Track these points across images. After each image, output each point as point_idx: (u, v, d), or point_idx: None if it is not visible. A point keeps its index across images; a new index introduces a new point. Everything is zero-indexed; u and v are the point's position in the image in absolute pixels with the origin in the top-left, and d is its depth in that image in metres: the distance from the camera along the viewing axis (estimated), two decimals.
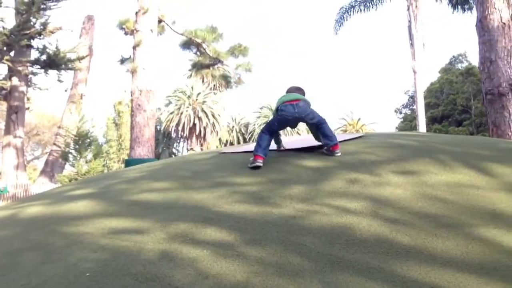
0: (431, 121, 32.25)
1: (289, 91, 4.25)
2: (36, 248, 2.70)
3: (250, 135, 40.23)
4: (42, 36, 17.63)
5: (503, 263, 2.04)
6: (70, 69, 19.23)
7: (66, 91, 22.90)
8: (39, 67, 18.19)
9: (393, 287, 1.89)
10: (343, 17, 20.47)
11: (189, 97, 36.53)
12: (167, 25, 20.02)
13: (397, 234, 2.38)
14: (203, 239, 2.48)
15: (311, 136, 4.39)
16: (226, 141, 40.18)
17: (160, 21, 18.81)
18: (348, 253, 2.21)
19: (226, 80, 30.49)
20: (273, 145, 4.24)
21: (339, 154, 3.88)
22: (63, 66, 18.21)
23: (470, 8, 18.41)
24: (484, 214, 2.58)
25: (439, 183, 3.08)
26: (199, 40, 21.50)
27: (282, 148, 4.42)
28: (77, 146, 19.17)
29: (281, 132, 4.38)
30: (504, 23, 9.71)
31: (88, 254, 2.42)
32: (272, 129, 4.04)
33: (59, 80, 18.93)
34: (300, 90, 4.25)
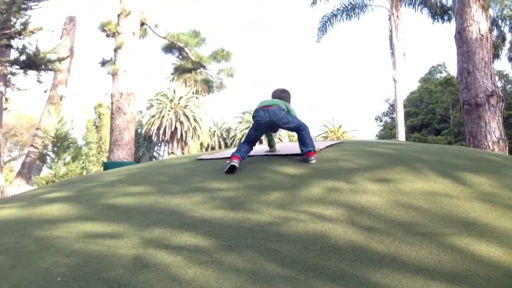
0: (411, 129, 32.64)
1: (273, 94, 4.31)
2: (6, 252, 2.64)
3: (231, 140, 40.21)
4: (22, 36, 17.39)
5: (473, 271, 2.07)
6: (50, 70, 19.01)
7: (45, 92, 22.57)
8: (19, 67, 17.93)
9: None
10: (326, 26, 20.65)
11: (171, 100, 36.41)
12: (150, 28, 19.86)
13: (371, 242, 2.40)
14: (178, 244, 2.46)
15: (295, 143, 4.41)
16: (208, 145, 40.13)
17: (142, 24, 18.65)
18: (323, 260, 2.22)
19: (208, 85, 30.43)
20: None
21: (313, 161, 3.87)
22: (43, 66, 17.98)
23: (450, 19, 18.76)
24: (458, 223, 2.62)
25: (414, 192, 3.11)
26: (181, 44, 21.34)
27: (274, 151, 4.49)
28: (55, 148, 18.92)
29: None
30: (482, 35, 9.94)
31: (60, 259, 2.38)
32: (250, 138, 4.06)
33: (38, 81, 18.71)
34: (284, 93, 4.30)
